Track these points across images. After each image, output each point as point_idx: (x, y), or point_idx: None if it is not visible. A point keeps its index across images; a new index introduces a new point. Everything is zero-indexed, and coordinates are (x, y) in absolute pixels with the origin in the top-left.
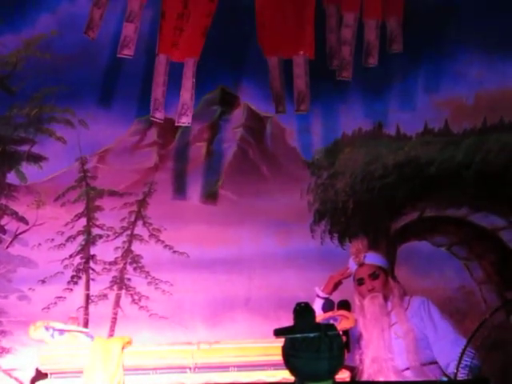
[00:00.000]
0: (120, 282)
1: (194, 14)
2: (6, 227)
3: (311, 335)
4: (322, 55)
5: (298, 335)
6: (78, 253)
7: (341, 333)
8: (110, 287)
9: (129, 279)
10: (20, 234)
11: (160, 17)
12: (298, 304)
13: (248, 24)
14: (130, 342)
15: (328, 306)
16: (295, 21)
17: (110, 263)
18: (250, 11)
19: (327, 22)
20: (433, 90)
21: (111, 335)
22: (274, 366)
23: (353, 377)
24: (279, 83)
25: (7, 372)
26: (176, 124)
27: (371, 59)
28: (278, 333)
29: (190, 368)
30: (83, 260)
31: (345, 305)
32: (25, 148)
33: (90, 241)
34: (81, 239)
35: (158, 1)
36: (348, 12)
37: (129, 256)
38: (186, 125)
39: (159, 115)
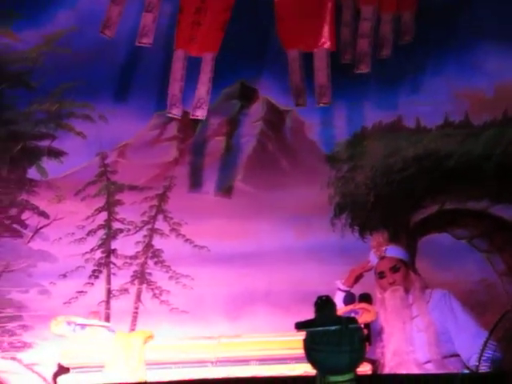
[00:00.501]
0: (141, 277)
1: (211, 8)
2: (26, 222)
3: (332, 328)
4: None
5: (319, 328)
6: (99, 247)
7: (362, 326)
8: (131, 281)
9: (150, 273)
10: (41, 228)
11: (178, 11)
12: (319, 297)
13: (267, 18)
14: (151, 337)
15: (349, 299)
16: (315, 13)
17: (131, 257)
18: (270, 5)
19: (343, 16)
20: (452, 83)
21: (132, 329)
22: (295, 359)
23: (374, 370)
24: (299, 76)
25: (29, 367)
26: (191, 117)
27: (385, 51)
28: (299, 326)
29: (211, 362)
30: (104, 254)
31: (366, 298)
32: (45, 143)
33: (111, 235)
34: (101, 233)
35: None
36: (366, 5)
37: (149, 250)
38: (201, 118)
39: (176, 111)
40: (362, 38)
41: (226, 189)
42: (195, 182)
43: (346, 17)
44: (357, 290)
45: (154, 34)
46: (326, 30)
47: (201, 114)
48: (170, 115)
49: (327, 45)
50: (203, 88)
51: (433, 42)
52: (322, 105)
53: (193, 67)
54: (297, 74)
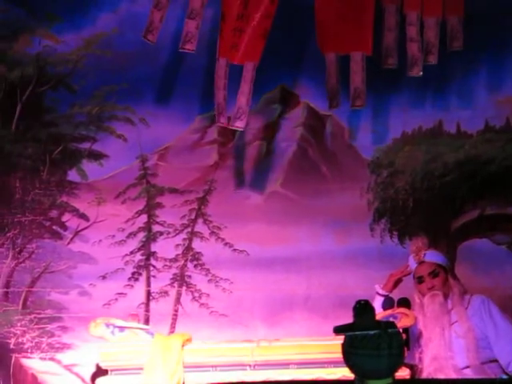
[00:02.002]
0: (180, 279)
1: (253, 15)
2: (67, 224)
3: (371, 333)
4: (381, 52)
5: (358, 333)
6: (139, 249)
7: (401, 331)
8: (171, 284)
9: (189, 276)
10: (81, 230)
11: (220, 19)
12: (358, 301)
13: (308, 23)
14: (190, 340)
15: (388, 303)
16: (355, 18)
17: (171, 260)
18: (311, 10)
19: (386, 21)
20: (493, 88)
21: (172, 332)
22: (333, 363)
23: (412, 375)
24: (335, 79)
25: (68, 367)
26: (230, 127)
27: (431, 58)
28: (338, 330)
29: (249, 365)
30: (144, 257)
31: (405, 303)
32: (86, 146)
33: (151, 238)
34: (141, 236)
35: (219, 1)
36: (411, 10)
37: (189, 253)
38: (240, 129)
39: (224, 119)
40: (412, 42)
41: (269, 193)
42: (238, 187)
43: (390, 22)
44: (396, 295)
45: (197, 35)
46: (363, 34)
47: (240, 124)
48: (220, 124)
49: (364, 48)
50: (243, 98)
51: (474, 47)
52: (356, 107)
53: (233, 73)
54: (333, 77)
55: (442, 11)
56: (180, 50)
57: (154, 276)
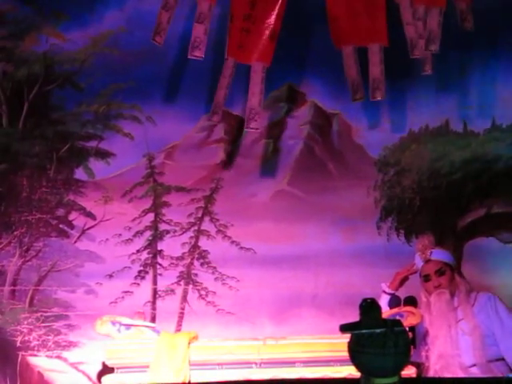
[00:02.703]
0: (187, 278)
1: (260, 15)
2: (73, 222)
3: (377, 331)
4: (387, 51)
5: (364, 331)
6: (146, 248)
7: (407, 329)
8: (177, 282)
9: (196, 274)
10: (88, 229)
11: (229, 20)
12: (364, 300)
13: (315, 22)
14: (196, 337)
15: (394, 302)
16: (368, 11)
17: (177, 258)
18: (317, 9)
19: (403, 16)
20: (500, 86)
21: (178, 330)
22: (340, 361)
23: (419, 373)
24: (355, 71)
25: (74, 365)
26: (245, 129)
27: (433, 46)
28: (344, 328)
29: (256, 363)
30: (150, 255)
31: (411, 301)
32: (92, 144)
33: (158, 236)
34: (148, 234)
35: (227, 1)
36: (419, 5)
37: (196, 251)
38: (256, 130)
39: (216, 118)
40: (420, 39)
41: (276, 192)
42: (244, 185)
43: (407, 16)
44: (402, 293)
45: (206, 40)
46: (379, 26)
47: (255, 125)
48: (213, 121)
49: (381, 40)
50: (255, 99)
51: (480, 45)
52: (375, 99)
53: (240, 71)
54: (353, 69)
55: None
56: (189, 57)
57: (160, 274)
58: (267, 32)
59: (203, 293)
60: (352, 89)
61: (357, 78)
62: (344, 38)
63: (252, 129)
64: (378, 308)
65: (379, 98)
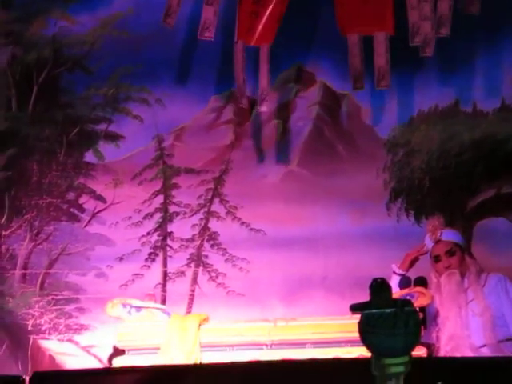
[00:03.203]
0: (197, 260)
1: None
2: (84, 206)
3: (387, 311)
4: (397, 32)
5: (375, 311)
6: (156, 230)
7: (417, 310)
8: (188, 264)
9: (206, 256)
10: (98, 212)
11: (238, 3)
12: (375, 280)
13: (325, 2)
14: (206, 319)
15: (404, 282)
16: None
17: (188, 240)
18: None
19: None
20: (510, 66)
21: (188, 312)
22: (350, 342)
23: (429, 354)
24: (359, 60)
25: (86, 349)
26: (258, 111)
27: (443, 29)
28: (355, 308)
29: (266, 345)
30: (160, 237)
31: (421, 282)
32: (102, 127)
33: (168, 218)
34: (158, 217)
35: None
36: None
37: (206, 233)
38: (267, 110)
39: (244, 102)
40: (425, 21)
41: (285, 173)
42: (254, 166)
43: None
44: (412, 274)
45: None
46: (385, 14)
47: (267, 106)
48: (242, 106)
49: (387, 28)
50: (264, 80)
51: (490, 25)
52: (381, 88)
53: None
54: (357, 58)
55: None
56: (199, 38)
57: (170, 256)
58: (275, 15)
59: (213, 275)
60: (353, 77)
61: (360, 67)
62: (349, 26)
63: (264, 110)
64: (389, 288)
65: (384, 87)
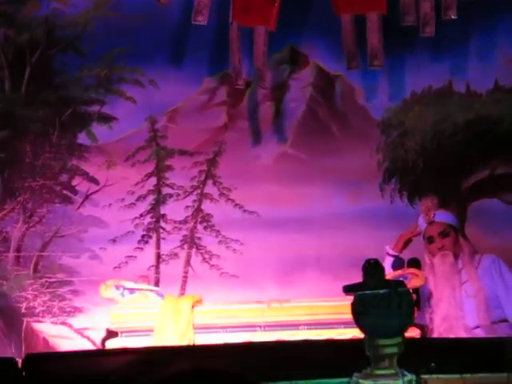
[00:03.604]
0: (191, 241)
1: None
2: (77, 188)
3: (381, 292)
4: (390, 12)
5: (368, 292)
6: (149, 212)
7: (411, 291)
8: (181, 246)
9: (199, 238)
10: (91, 194)
11: None
12: (368, 261)
13: None
14: (200, 301)
15: (398, 264)
16: None
17: (181, 222)
18: None
19: None
20: (503, 47)
21: (182, 294)
22: (344, 324)
23: (423, 335)
24: (352, 40)
25: (79, 331)
26: (260, 87)
27: (450, 12)
28: (348, 289)
29: (260, 326)
30: (154, 219)
31: (415, 263)
32: (95, 109)
33: (161, 200)
34: (151, 199)
35: None
36: None
37: (199, 215)
38: (265, 88)
39: (241, 82)
40: (425, 1)
41: (279, 154)
42: (247, 148)
43: None
44: (406, 255)
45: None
46: None
47: (263, 85)
48: (238, 87)
49: (380, 8)
50: (259, 61)
51: (483, 6)
52: (374, 67)
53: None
54: (350, 37)
55: None
56: (193, 22)
57: (163, 238)
58: None
59: (207, 256)
60: (347, 57)
61: (353, 46)
62: (342, 5)
63: (264, 87)
64: (382, 269)
65: (377, 67)
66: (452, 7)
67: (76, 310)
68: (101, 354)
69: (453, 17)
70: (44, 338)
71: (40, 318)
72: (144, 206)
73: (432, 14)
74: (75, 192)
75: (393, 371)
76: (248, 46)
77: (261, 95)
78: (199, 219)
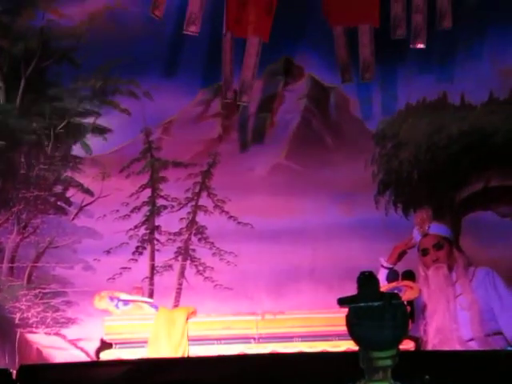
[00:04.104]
0: (185, 253)
1: None
2: (71, 199)
3: (375, 304)
4: (385, 24)
5: (362, 304)
6: (143, 223)
7: (405, 303)
8: (175, 258)
9: (193, 250)
10: (85, 205)
11: None
12: (362, 273)
13: None
14: (194, 313)
15: (392, 276)
16: None
17: (175, 234)
18: None
19: None
20: (498, 59)
21: (176, 306)
22: (338, 336)
23: (417, 347)
24: (345, 52)
25: (73, 342)
26: (237, 103)
27: (446, 22)
28: (342, 302)
29: (254, 338)
30: (148, 231)
31: (409, 275)
32: (90, 120)
33: (155, 212)
34: (145, 210)
35: None
36: None
37: (193, 227)
38: (246, 104)
39: (230, 94)
40: (416, 13)
41: (274, 166)
42: (241, 160)
43: None
44: (400, 267)
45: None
46: (370, 6)
47: (246, 99)
48: (227, 100)
49: (372, 20)
50: (248, 72)
51: (477, 18)
52: (365, 80)
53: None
54: (343, 50)
55: None
56: (185, 32)
57: (158, 250)
58: (264, 5)
59: (201, 268)
60: (341, 70)
61: (346, 59)
62: (335, 18)
63: (243, 102)
64: (376, 281)
65: (368, 80)
66: (447, 17)
67: (69, 321)
68: (95, 365)
69: (448, 26)
70: (37, 349)
71: (33, 329)
72: (138, 218)
73: (424, 26)
74: (69, 203)
75: None
76: (241, 59)
77: (255, 107)
78: (193, 231)
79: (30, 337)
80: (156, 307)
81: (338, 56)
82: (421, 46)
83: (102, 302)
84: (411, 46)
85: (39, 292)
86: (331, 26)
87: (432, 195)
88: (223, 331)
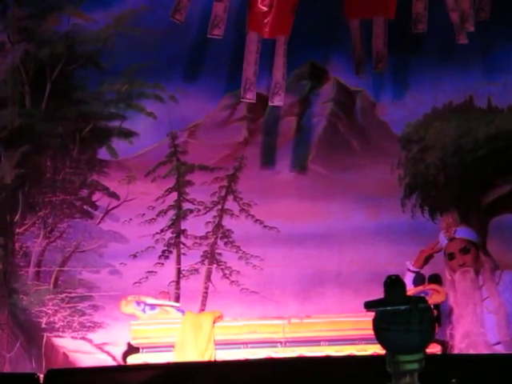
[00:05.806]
0: (211, 257)
1: None
2: (97, 203)
3: (402, 308)
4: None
5: (389, 308)
6: (169, 227)
7: (432, 307)
8: (201, 262)
9: (219, 254)
10: (111, 209)
11: None
12: (389, 277)
13: None
14: (220, 317)
15: (419, 280)
16: None
17: (201, 238)
18: None
19: None
20: None
21: (202, 310)
22: (365, 339)
23: (443, 351)
24: (360, 46)
25: (99, 346)
26: (270, 104)
27: (468, 25)
28: (369, 305)
29: (280, 342)
30: (174, 235)
31: (436, 279)
32: (115, 124)
33: (181, 215)
34: (171, 214)
35: None
36: None
37: (219, 231)
38: (279, 105)
39: (250, 95)
40: (419, 1)
41: (300, 169)
42: (268, 163)
43: None
44: (426, 271)
45: (226, 18)
46: (388, 1)
47: (278, 100)
48: (244, 100)
49: (387, 13)
50: (279, 73)
51: (504, 20)
52: (377, 70)
53: (262, 50)
54: (358, 43)
55: None
56: (209, 36)
57: (184, 254)
58: (287, 6)
59: (227, 272)
60: (356, 63)
61: (361, 52)
62: (353, 12)
63: (275, 103)
64: (403, 285)
65: (381, 70)
66: (469, 20)
67: (96, 325)
68: (122, 369)
69: (471, 29)
70: (64, 353)
71: (60, 333)
72: (164, 222)
73: (425, 13)
74: (95, 207)
75: None
76: (267, 61)
77: (282, 110)
78: (219, 235)
79: (57, 341)
80: (182, 311)
81: (354, 49)
82: (422, 29)
83: (128, 307)
84: (413, 30)
85: (65, 296)
86: (348, 19)
87: (458, 199)
88: (250, 335)
